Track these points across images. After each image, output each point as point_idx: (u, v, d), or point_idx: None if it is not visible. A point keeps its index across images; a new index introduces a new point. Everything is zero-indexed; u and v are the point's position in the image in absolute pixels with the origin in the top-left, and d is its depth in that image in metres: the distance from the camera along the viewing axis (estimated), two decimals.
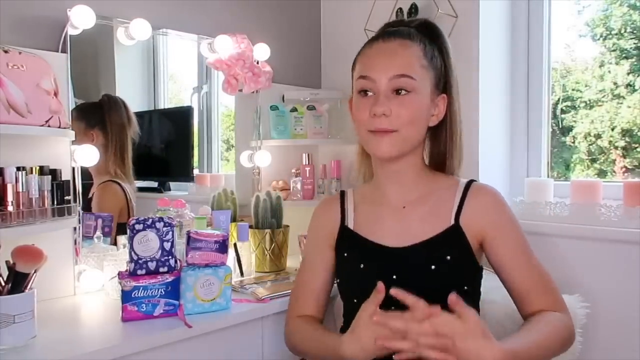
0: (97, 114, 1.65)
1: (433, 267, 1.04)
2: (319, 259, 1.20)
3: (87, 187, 1.61)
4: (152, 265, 1.22)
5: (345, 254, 1.14)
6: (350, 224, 1.17)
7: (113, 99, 1.71)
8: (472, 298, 1.08)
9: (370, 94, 1.05)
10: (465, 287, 1.05)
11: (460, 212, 1.07)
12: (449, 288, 1.01)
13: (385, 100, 1.02)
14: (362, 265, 1.10)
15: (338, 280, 1.17)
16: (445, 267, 1.04)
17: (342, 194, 1.23)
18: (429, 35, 1.10)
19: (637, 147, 1.72)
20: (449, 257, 1.04)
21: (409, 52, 1.05)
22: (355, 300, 1.10)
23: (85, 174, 1.50)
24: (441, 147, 1.14)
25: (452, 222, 1.07)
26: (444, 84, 1.10)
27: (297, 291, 1.24)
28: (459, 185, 1.12)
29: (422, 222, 1.09)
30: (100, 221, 1.57)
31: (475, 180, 1.13)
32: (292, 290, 1.26)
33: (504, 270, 1.07)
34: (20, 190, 1.20)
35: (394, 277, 1.05)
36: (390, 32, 1.09)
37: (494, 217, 1.07)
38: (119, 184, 1.68)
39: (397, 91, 1.03)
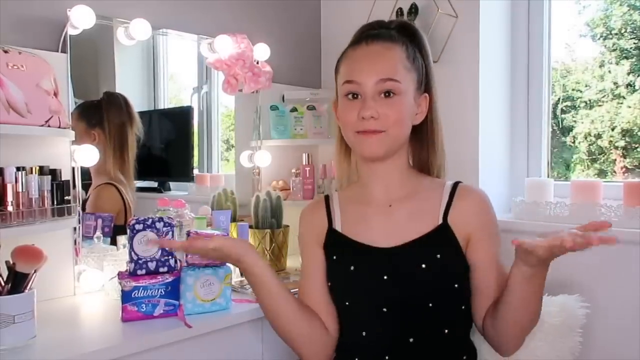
0: (97, 114, 1.63)
1: (424, 265, 1.04)
2: (315, 260, 1.17)
3: (86, 188, 1.61)
4: (152, 265, 1.22)
5: (335, 257, 1.13)
6: (338, 226, 1.16)
7: (112, 97, 1.69)
8: (462, 296, 1.09)
9: (357, 97, 1.06)
10: (456, 285, 1.06)
11: (449, 211, 1.08)
12: (439, 287, 1.04)
13: (373, 103, 1.04)
14: (352, 268, 1.09)
15: (329, 284, 1.14)
16: (436, 266, 1.04)
17: (327, 198, 1.22)
18: (409, 36, 1.11)
19: (637, 147, 1.72)
20: (439, 256, 1.05)
21: (392, 54, 1.06)
22: (347, 303, 1.10)
23: (86, 174, 1.50)
24: (423, 146, 1.16)
25: (441, 221, 1.08)
26: (425, 83, 1.12)
27: (300, 297, 1.19)
28: (445, 186, 1.13)
29: (409, 221, 1.09)
30: (100, 221, 1.56)
31: (461, 182, 1.14)
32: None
33: (479, 270, 1.07)
34: (20, 190, 1.20)
35: (385, 277, 1.05)
36: (372, 34, 1.10)
37: (482, 219, 1.09)
38: (115, 186, 1.66)
39: (384, 93, 1.05)
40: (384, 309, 1.05)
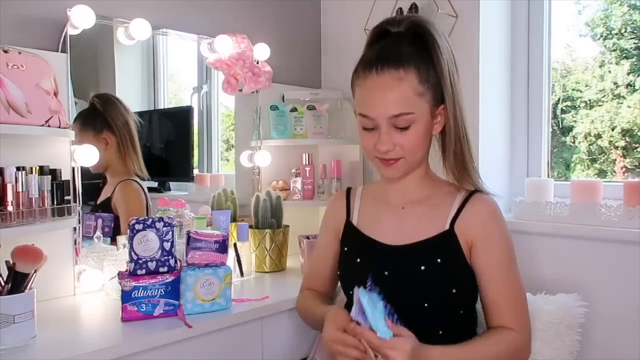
0: (98, 117, 1.63)
1: (423, 267, 1.08)
2: (327, 246, 1.28)
3: (92, 187, 1.61)
4: (152, 265, 1.22)
5: (346, 249, 1.21)
6: (354, 220, 1.23)
7: (104, 98, 1.68)
8: (461, 301, 1.11)
9: (373, 128, 1.08)
10: (454, 290, 1.08)
11: (457, 218, 1.11)
12: (436, 289, 1.08)
13: (387, 137, 1.06)
14: (358, 260, 1.17)
15: (339, 272, 1.23)
16: (435, 269, 1.08)
17: (348, 191, 1.29)
18: (422, 46, 1.06)
19: (637, 147, 1.72)
20: (439, 260, 1.08)
21: (403, 85, 1.03)
22: (350, 293, 1.12)
23: (85, 174, 1.49)
24: (448, 152, 1.13)
25: (447, 227, 1.11)
26: (441, 94, 1.08)
27: (308, 268, 1.38)
28: (461, 192, 1.15)
29: (418, 223, 1.14)
30: (100, 221, 1.57)
31: (479, 191, 1.14)
32: (306, 266, 1.42)
33: (482, 279, 1.10)
34: (20, 190, 1.20)
35: (386, 273, 1.11)
36: (382, 57, 1.05)
37: (486, 229, 1.10)
38: (137, 182, 1.70)
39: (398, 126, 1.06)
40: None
